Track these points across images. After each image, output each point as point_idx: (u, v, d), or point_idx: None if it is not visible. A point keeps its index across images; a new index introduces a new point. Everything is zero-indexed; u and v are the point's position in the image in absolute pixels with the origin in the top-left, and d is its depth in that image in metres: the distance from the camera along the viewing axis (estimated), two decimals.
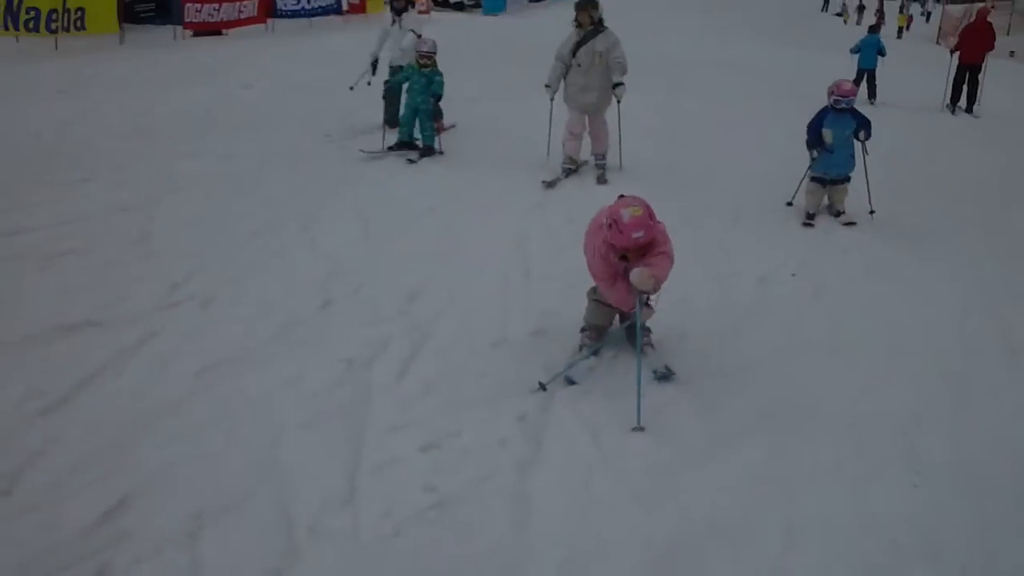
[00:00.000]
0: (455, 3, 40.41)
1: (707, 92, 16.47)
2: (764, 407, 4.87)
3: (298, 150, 10.00)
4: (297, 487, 3.90)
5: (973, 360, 5.67)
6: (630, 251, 4.85)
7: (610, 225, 4.79)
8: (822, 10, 54.42)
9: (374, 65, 11.31)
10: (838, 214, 8.41)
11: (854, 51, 17.23)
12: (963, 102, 16.45)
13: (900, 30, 47.46)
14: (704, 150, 11.35)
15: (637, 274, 4.79)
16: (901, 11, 54.60)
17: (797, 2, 52.60)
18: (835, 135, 8.25)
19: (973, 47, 16.17)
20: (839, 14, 52.98)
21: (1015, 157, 12.57)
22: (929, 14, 54.74)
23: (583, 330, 5.41)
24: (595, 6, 9.28)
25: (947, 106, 16.53)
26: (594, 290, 5.36)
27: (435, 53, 10.11)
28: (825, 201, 8.53)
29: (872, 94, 16.81)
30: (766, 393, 5.03)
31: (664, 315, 5.64)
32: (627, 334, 5.47)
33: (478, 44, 23.95)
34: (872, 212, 8.36)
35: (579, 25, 9.26)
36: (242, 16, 21.83)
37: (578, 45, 9.20)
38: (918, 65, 18.89)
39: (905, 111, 15.89)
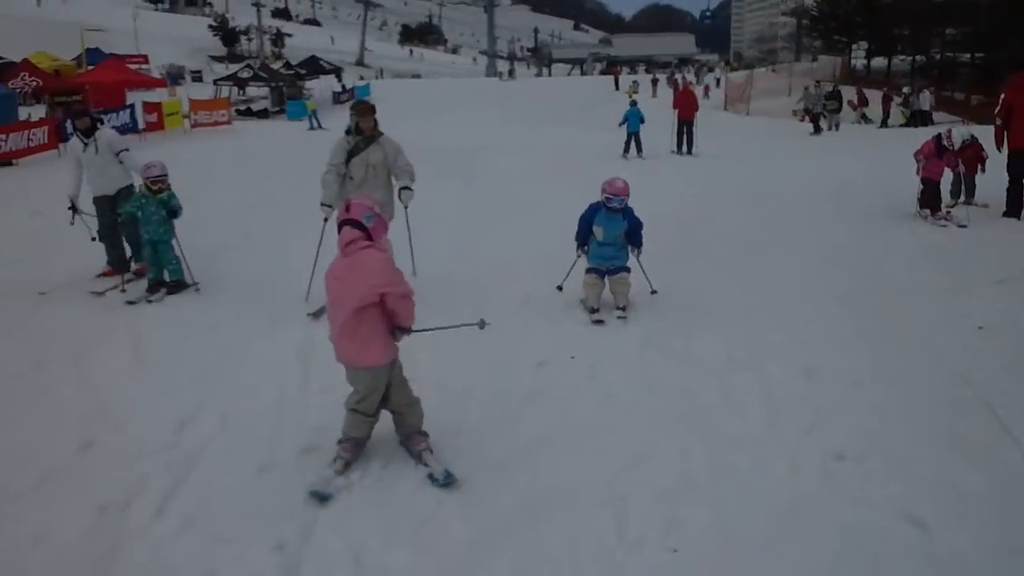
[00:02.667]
0: (259, 111, 40.67)
1: (500, 178, 17.07)
2: (531, 498, 4.89)
3: (81, 277, 9.61)
4: None
5: (735, 420, 5.89)
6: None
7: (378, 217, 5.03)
8: (615, 89, 57.26)
9: (73, 209, 9.54)
10: (620, 308, 8.12)
11: (621, 123, 22.15)
12: (686, 147, 22.90)
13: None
14: (496, 236, 11.67)
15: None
16: (696, 80, 58.34)
17: (594, 86, 55.23)
18: (606, 233, 8.10)
19: (684, 109, 23.07)
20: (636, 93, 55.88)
21: (742, 197, 14.99)
22: (718, 80, 58.49)
23: (340, 442, 5.28)
24: (374, 110, 8.53)
25: (673, 151, 22.79)
26: (356, 400, 5.27)
27: (167, 175, 9.04)
28: (608, 295, 8.27)
29: (639, 150, 21.72)
30: (533, 482, 5.06)
31: (440, 411, 5.69)
32: (403, 439, 5.45)
33: (283, 149, 23.98)
34: (653, 292, 8.58)
35: (357, 131, 8.33)
36: (32, 144, 21.21)
37: (350, 155, 8.29)
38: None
39: (658, 159, 21.27)
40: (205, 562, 4.30)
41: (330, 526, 4.64)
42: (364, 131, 8.32)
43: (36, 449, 5.55)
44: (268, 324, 8.00)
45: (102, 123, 10.12)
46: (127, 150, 9.60)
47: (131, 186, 9.57)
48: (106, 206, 9.64)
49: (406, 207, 8.57)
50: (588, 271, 8.27)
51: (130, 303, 8.80)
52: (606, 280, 8.24)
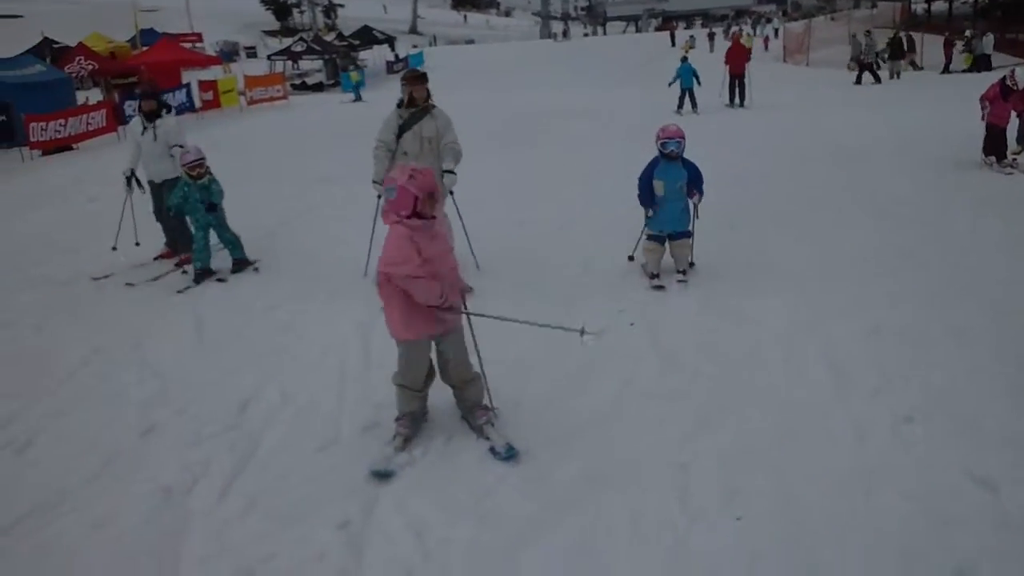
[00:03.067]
0: (314, 84, 40.83)
1: (556, 143, 16.92)
2: (593, 469, 4.85)
3: (139, 260, 9.72)
4: None
5: (798, 385, 5.76)
6: (429, 201, 4.82)
7: (403, 186, 4.75)
8: (672, 46, 56.28)
9: (130, 179, 9.55)
10: (680, 272, 8.01)
11: (671, 82, 22.61)
12: (738, 99, 23.31)
13: (749, 52, 49.31)
14: (554, 202, 11.57)
15: None
16: (754, 32, 57.37)
17: (650, 44, 54.50)
18: (667, 186, 7.80)
19: (735, 62, 23.49)
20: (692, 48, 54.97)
21: (801, 151, 14.71)
22: (776, 31, 57.43)
23: (397, 419, 5.28)
24: (426, 79, 8.04)
25: (727, 104, 23.29)
26: (398, 374, 5.25)
27: (204, 159, 8.83)
28: (669, 259, 8.10)
29: (694, 105, 22.09)
30: (595, 453, 5.01)
31: (500, 383, 5.66)
32: (464, 413, 5.41)
33: (338, 121, 24.07)
34: (692, 264, 8.25)
35: (408, 103, 7.85)
36: (91, 128, 21.51)
37: (402, 129, 7.84)
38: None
39: (711, 113, 21.46)
40: (270, 543, 4.35)
41: (392, 502, 4.65)
42: (417, 101, 7.84)
43: (99, 434, 5.66)
44: (327, 301, 8.01)
45: (169, 110, 9.81)
46: (181, 146, 9.20)
47: (178, 179, 9.19)
48: (155, 191, 9.65)
49: (450, 192, 7.97)
50: (650, 237, 8.07)
51: (221, 280, 8.91)
52: (666, 245, 8.06)
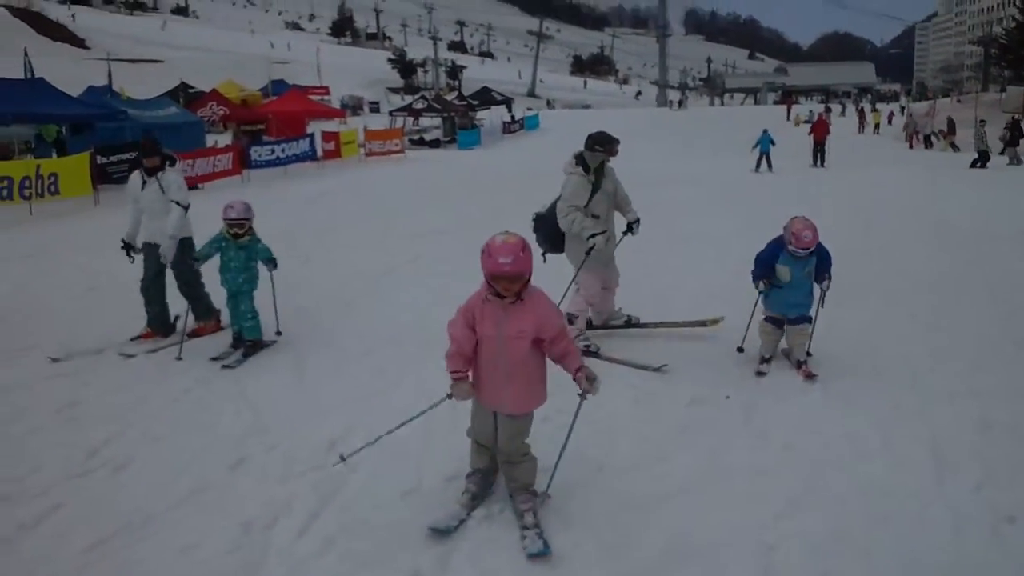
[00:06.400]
0: (431, 141, 41.83)
1: (664, 209, 16.83)
2: (674, 541, 4.70)
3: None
4: None
5: (897, 471, 5.49)
6: (500, 283, 4.55)
7: (482, 252, 4.56)
8: (786, 120, 56.32)
9: (127, 247, 8.63)
10: (799, 364, 7.35)
11: (754, 147, 28.47)
12: (820, 162, 29.64)
13: (877, 127, 49.46)
14: (659, 268, 11.45)
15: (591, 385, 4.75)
16: (875, 110, 57.14)
17: (766, 116, 54.23)
18: (794, 271, 7.18)
19: (819, 133, 30.52)
20: (807, 121, 54.85)
21: (916, 230, 14.00)
22: (903, 108, 56.95)
23: (468, 476, 5.20)
24: None
25: (810, 165, 29.42)
26: (470, 425, 5.18)
27: (250, 219, 8.04)
28: (783, 344, 7.60)
29: (770, 166, 28.00)
30: (678, 526, 4.86)
31: (585, 445, 5.56)
32: (511, 491, 5.19)
33: (452, 178, 24.49)
34: (809, 355, 7.50)
35: (595, 166, 7.73)
36: (217, 169, 22.44)
37: (592, 193, 7.74)
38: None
39: (794, 173, 25.33)
40: None
41: (467, 557, 4.60)
42: (609, 159, 7.88)
43: (192, 462, 5.80)
44: (423, 349, 8.05)
45: (172, 164, 8.66)
46: (178, 203, 8.38)
47: (189, 239, 8.64)
48: (153, 256, 8.57)
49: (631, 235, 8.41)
50: (767, 319, 7.55)
51: (227, 367, 7.84)
52: (784, 329, 7.52)
